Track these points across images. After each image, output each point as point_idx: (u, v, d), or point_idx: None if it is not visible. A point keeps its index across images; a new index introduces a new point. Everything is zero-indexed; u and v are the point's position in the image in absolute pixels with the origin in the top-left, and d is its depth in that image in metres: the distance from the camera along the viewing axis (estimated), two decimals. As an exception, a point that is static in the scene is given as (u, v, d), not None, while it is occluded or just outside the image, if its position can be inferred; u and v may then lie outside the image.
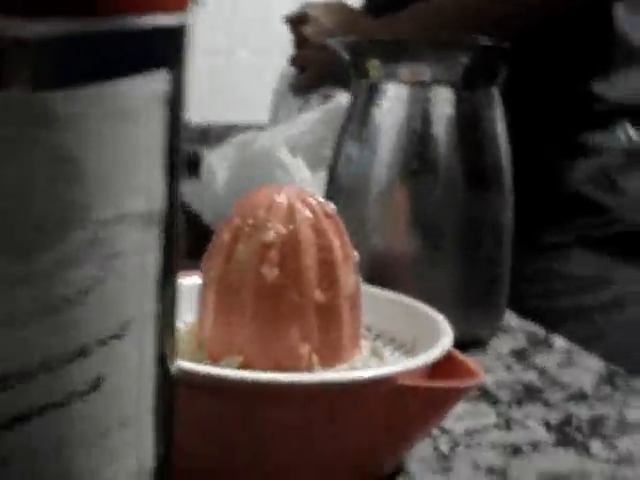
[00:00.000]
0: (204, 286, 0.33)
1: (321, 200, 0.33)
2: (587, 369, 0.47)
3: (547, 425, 0.39)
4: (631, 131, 0.80)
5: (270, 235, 0.30)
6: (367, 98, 0.48)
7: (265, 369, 0.30)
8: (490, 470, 0.34)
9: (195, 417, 0.26)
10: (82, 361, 0.12)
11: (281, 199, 0.32)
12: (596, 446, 0.37)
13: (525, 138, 0.76)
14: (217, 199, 0.75)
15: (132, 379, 0.13)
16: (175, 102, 0.13)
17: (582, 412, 0.41)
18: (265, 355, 0.31)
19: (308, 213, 0.31)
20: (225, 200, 0.71)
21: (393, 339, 0.38)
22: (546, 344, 0.52)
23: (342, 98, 0.74)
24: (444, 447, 0.36)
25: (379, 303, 0.39)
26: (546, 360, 0.49)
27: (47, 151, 0.11)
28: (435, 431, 0.37)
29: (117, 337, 0.13)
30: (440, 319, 0.35)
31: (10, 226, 0.11)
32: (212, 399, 0.28)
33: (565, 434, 0.38)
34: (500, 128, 0.49)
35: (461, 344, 0.47)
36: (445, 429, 0.38)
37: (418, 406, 0.29)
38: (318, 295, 0.31)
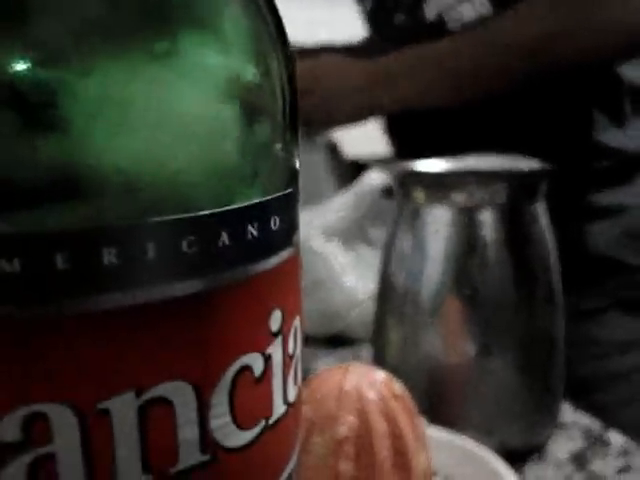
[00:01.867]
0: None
1: (388, 380, 0.34)
2: (647, 476, 0.48)
3: None
4: None
5: (344, 430, 0.31)
6: (413, 221, 0.49)
7: None
8: None
9: None
10: None
11: (349, 386, 0.33)
12: None
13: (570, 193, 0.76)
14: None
15: None
16: None
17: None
18: None
19: (377, 400, 0.32)
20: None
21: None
22: (602, 443, 0.52)
23: (373, 177, 0.75)
24: None
25: (445, 446, 0.39)
26: (604, 467, 0.49)
27: None
28: None
29: None
30: (507, 472, 0.35)
31: None
32: None
33: None
34: (548, 240, 0.50)
35: (521, 452, 0.48)
36: None
37: None
38: (394, 482, 0.32)
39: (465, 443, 0.39)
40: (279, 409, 0.13)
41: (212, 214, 0.11)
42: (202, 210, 0.11)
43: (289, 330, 0.13)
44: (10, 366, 0.10)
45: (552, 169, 0.48)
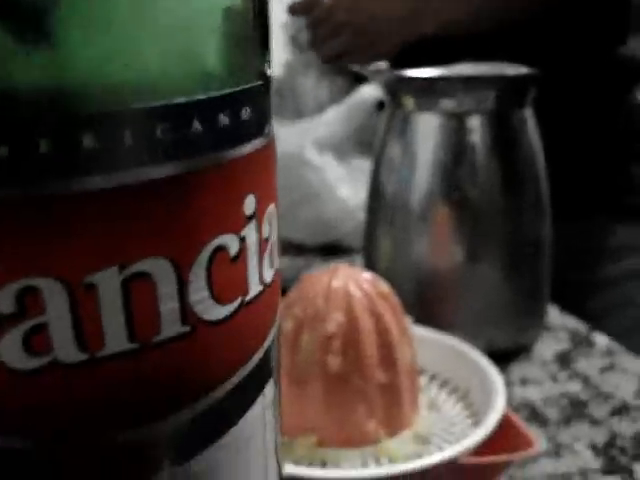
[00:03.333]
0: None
1: (374, 280, 0.35)
2: (628, 373, 0.50)
3: (594, 448, 0.42)
4: None
5: (332, 326, 0.33)
6: (403, 128, 0.50)
7: (337, 445, 0.33)
8: (545, 508, 0.37)
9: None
10: None
11: (337, 285, 0.34)
12: (639, 469, 0.40)
13: (565, 101, 0.76)
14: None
15: None
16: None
17: (625, 429, 0.44)
18: (336, 433, 0.34)
19: (363, 298, 0.34)
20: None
21: (446, 381, 0.41)
22: (588, 344, 0.54)
23: (367, 90, 0.74)
24: (501, 484, 0.39)
25: (432, 345, 0.41)
26: (588, 366, 0.51)
27: None
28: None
29: None
30: (493, 371, 0.37)
31: None
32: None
33: (610, 458, 0.41)
34: (534, 146, 0.50)
35: (508, 352, 0.49)
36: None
37: (476, 475, 0.32)
38: (379, 376, 0.33)
39: (452, 342, 0.40)
40: (255, 288, 0.14)
41: (185, 103, 0.12)
42: (176, 99, 0.12)
43: (263, 214, 0.14)
44: (3, 244, 0.11)
45: (539, 74, 0.48)
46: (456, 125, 0.48)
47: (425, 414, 0.37)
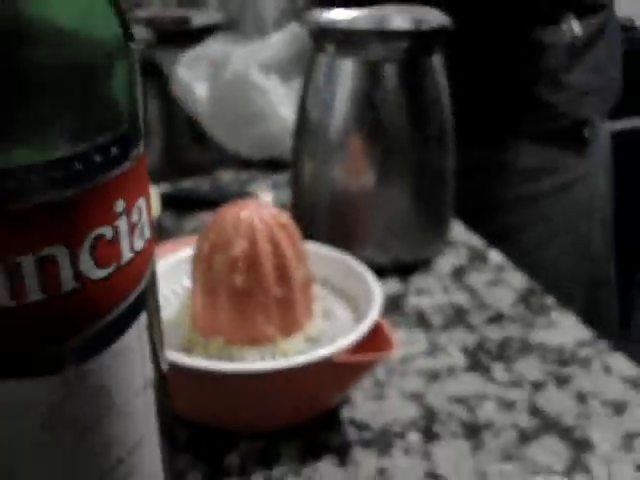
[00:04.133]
0: (193, 279, 0.44)
1: (276, 213, 0.43)
2: (510, 287, 0.59)
3: (464, 350, 0.51)
4: (575, 26, 0.86)
5: (237, 251, 0.41)
6: (325, 69, 0.56)
7: (241, 344, 0.42)
8: (412, 396, 0.47)
9: (193, 390, 0.39)
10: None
11: (244, 216, 0.42)
12: (497, 369, 0.49)
13: (476, 39, 0.83)
14: (200, 116, 0.83)
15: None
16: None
17: (494, 335, 0.53)
18: (241, 335, 0.42)
19: (265, 228, 0.42)
20: (210, 121, 0.80)
21: (342, 291, 0.49)
22: (482, 260, 0.63)
23: (309, 15, 0.80)
24: (381, 376, 0.49)
25: (331, 261, 0.50)
26: (478, 280, 0.60)
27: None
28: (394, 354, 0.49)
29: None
30: (374, 283, 0.46)
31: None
32: (203, 381, 0.39)
33: (476, 359, 0.50)
34: (441, 89, 0.57)
35: (413, 265, 0.58)
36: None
37: (348, 372, 0.41)
38: (275, 291, 0.42)
39: (346, 258, 0.49)
40: (127, 255, 0.22)
41: (68, 156, 0.19)
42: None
43: (132, 208, 0.22)
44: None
45: (447, 29, 0.55)
46: (371, 70, 0.55)
47: (319, 320, 0.45)
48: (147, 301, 0.24)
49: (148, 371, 0.25)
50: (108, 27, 0.21)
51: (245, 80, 0.76)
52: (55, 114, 0.19)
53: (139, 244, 0.22)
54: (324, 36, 0.54)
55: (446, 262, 0.62)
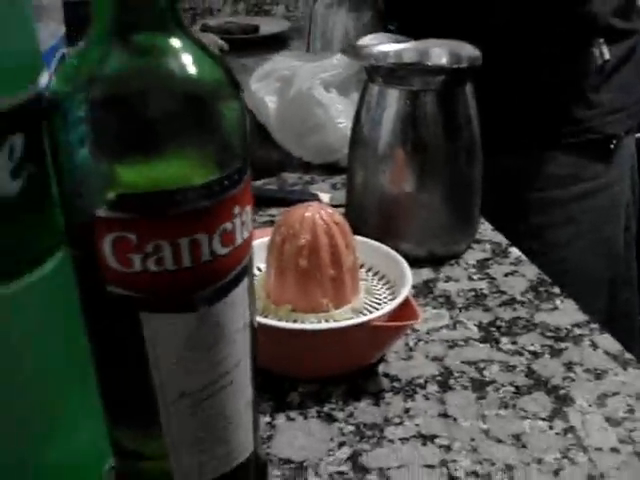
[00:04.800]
0: (268, 262, 0.58)
1: (332, 213, 0.56)
2: (524, 277, 0.71)
3: (479, 326, 0.64)
4: (605, 50, 0.97)
5: (302, 241, 0.55)
6: (376, 96, 0.70)
7: (303, 312, 0.56)
8: (434, 358, 0.60)
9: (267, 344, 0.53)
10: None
11: (307, 215, 0.56)
12: (504, 341, 0.62)
13: (514, 61, 0.95)
14: (269, 125, 0.97)
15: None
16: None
17: (505, 315, 0.66)
18: (304, 304, 0.56)
19: (323, 224, 0.55)
20: (278, 130, 0.94)
21: (383, 275, 0.63)
22: (504, 254, 0.76)
23: (366, 40, 0.93)
24: (411, 343, 0.62)
25: (376, 251, 0.63)
26: (498, 270, 0.73)
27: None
28: (410, 330, 0.62)
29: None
30: (407, 270, 0.59)
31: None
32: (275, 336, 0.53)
33: (488, 332, 0.63)
34: (471, 113, 0.70)
35: (443, 258, 0.71)
36: (415, 329, 0.63)
37: (384, 336, 0.54)
38: (330, 272, 0.55)
39: (386, 249, 0.62)
40: (239, 240, 0.36)
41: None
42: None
43: (242, 212, 0.36)
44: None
45: (477, 67, 0.68)
46: (412, 98, 0.68)
47: (362, 295, 0.59)
48: (248, 270, 0.38)
49: (247, 317, 0.38)
50: (234, 93, 0.34)
51: (309, 96, 0.90)
52: (211, 158, 0.33)
53: (245, 234, 0.36)
54: (374, 70, 0.68)
55: (472, 255, 0.75)
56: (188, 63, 0.32)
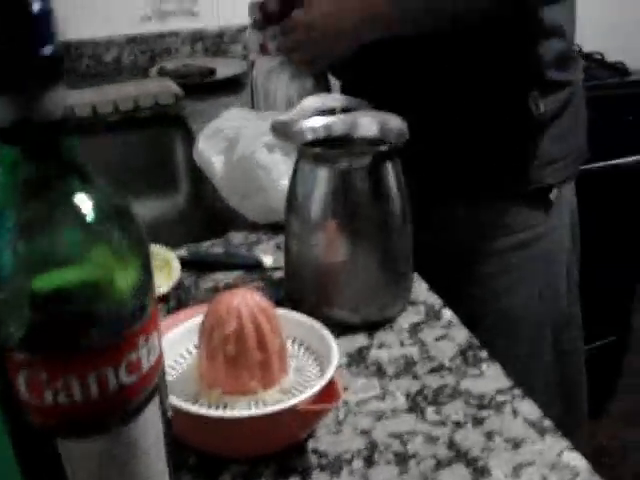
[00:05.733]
0: (200, 347, 0.60)
1: (259, 299, 0.59)
2: (454, 341, 0.75)
3: (407, 396, 0.67)
4: (540, 102, 1.01)
5: (228, 329, 0.58)
6: (307, 172, 0.73)
7: (235, 394, 0.59)
8: (361, 432, 0.63)
9: (197, 428, 0.55)
10: None
11: (235, 303, 0.58)
12: (430, 411, 0.65)
13: (449, 116, 0.98)
14: (216, 183, 1.00)
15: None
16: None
17: (433, 382, 0.69)
18: (233, 387, 0.59)
19: (248, 312, 0.58)
20: (224, 189, 0.97)
21: (313, 351, 0.66)
22: (436, 317, 0.79)
23: (309, 101, 0.96)
24: (341, 415, 0.65)
25: (305, 326, 0.66)
26: (429, 334, 0.76)
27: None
28: (341, 402, 0.65)
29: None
30: (334, 348, 0.62)
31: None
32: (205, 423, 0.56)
33: (415, 402, 0.66)
34: (399, 184, 0.74)
35: (377, 323, 0.74)
36: (346, 401, 0.66)
37: (309, 418, 0.57)
38: (257, 357, 0.58)
39: (314, 323, 0.65)
40: (146, 366, 0.39)
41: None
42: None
43: (147, 341, 0.38)
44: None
45: (401, 146, 0.71)
46: (342, 174, 0.72)
47: (291, 375, 0.62)
48: (159, 388, 0.40)
49: (160, 430, 0.41)
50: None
51: (251, 159, 0.93)
52: (113, 297, 0.36)
53: (153, 358, 0.39)
54: (303, 151, 0.71)
55: (406, 319, 0.78)
56: (87, 206, 0.35)
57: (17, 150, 0.34)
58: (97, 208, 0.36)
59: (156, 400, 0.40)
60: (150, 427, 0.40)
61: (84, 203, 0.35)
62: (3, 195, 0.35)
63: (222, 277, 0.86)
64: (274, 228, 0.96)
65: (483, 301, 1.07)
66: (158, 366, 0.40)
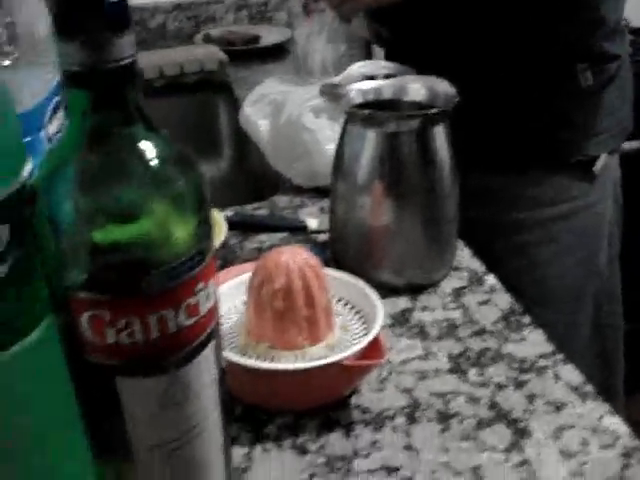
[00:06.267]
0: (248, 303, 0.62)
1: (307, 257, 0.60)
2: (496, 306, 0.75)
3: (450, 356, 0.68)
4: (588, 74, 1.00)
5: (277, 284, 0.59)
6: (355, 135, 0.74)
7: (282, 349, 0.60)
8: (404, 390, 0.64)
9: (245, 380, 0.57)
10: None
11: (283, 259, 0.60)
12: (472, 373, 0.66)
13: (497, 86, 0.98)
14: (262, 147, 1.01)
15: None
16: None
17: (475, 345, 0.69)
18: (281, 342, 0.60)
19: (297, 268, 0.59)
20: (270, 153, 0.98)
21: (359, 310, 0.67)
22: (479, 282, 0.79)
23: (355, 68, 0.96)
24: (384, 374, 0.66)
25: (352, 286, 0.67)
26: (472, 299, 0.76)
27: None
28: (384, 361, 0.66)
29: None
30: (380, 308, 0.63)
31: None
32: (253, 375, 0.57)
33: (458, 364, 0.67)
34: (446, 149, 0.74)
35: (421, 287, 0.75)
36: (389, 360, 0.67)
37: (353, 374, 0.58)
38: (305, 313, 0.59)
39: (360, 282, 0.66)
40: (204, 310, 0.40)
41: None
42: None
43: (206, 287, 0.40)
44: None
45: (450, 111, 0.71)
46: (389, 139, 0.72)
47: (337, 332, 0.63)
48: (214, 334, 0.42)
49: (214, 374, 0.43)
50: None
51: (298, 122, 0.94)
52: (174, 240, 0.37)
53: (209, 304, 0.40)
54: (351, 114, 0.71)
55: (450, 283, 0.79)
56: (152, 154, 0.36)
57: (86, 95, 0.35)
58: (161, 157, 0.37)
59: (212, 345, 0.42)
60: (205, 371, 0.42)
61: (149, 151, 0.37)
62: (71, 142, 0.37)
63: (266, 239, 0.87)
64: (319, 192, 0.97)
65: (523, 271, 1.07)
66: (214, 312, 0.41)
